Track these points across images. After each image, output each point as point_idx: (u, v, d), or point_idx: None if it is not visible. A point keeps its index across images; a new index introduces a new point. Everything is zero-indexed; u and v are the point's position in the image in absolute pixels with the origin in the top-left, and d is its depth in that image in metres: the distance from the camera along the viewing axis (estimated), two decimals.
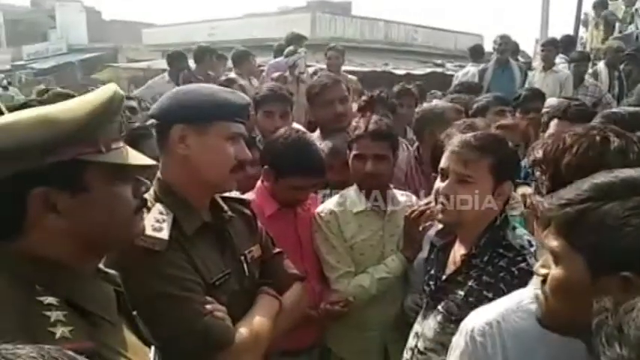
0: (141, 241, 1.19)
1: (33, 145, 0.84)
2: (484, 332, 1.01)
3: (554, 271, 0.84)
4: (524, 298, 1.00)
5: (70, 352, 0.59)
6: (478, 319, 1.05)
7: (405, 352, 1.65)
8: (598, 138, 0.98)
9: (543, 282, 0.86)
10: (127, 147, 0.97)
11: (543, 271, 0.87)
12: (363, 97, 2.98)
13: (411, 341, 1.62)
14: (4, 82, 13.82)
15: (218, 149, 1.34)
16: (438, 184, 1.54)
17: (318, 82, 2.68)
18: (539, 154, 1.04)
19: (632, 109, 2.13)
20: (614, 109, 2.23)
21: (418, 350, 1.57)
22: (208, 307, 1.29)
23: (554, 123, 2.26)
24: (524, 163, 2.06)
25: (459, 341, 1.08)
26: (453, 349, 1.12)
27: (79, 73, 17.32)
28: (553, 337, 0.89)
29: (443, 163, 1.53)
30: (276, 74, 4.88)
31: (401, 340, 1.93)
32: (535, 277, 0.93)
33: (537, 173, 1.03)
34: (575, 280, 0.80)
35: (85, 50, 18.62)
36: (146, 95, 5.39)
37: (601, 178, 0.81)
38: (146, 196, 1.04)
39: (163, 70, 6.72)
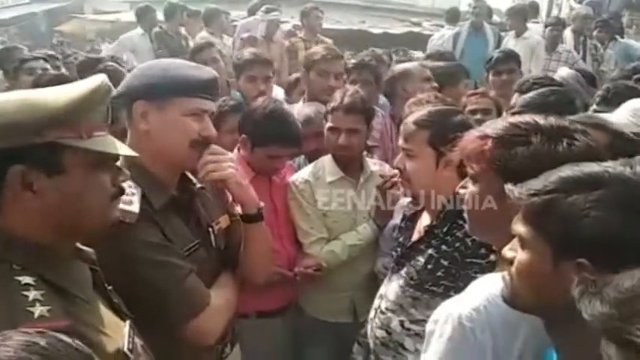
0: None
1: (19, 125, 0.87)
2: (472, 318, 1.03)
3: (520, 255, 0.90)
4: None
5: (60, 336, 0.63)
6: (463, 305, 1.06)
7: (370, 311, 1.77)
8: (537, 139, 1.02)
9: (510, 264, 0.93)
10: (110, 136, 0.99)
11: (510, 254, 0.93)
12: (352, 60, 2.98)
13: (376, 302, 1.74)
14: None
15: (177, 125, 1.33)
16: None
17: (319, 52, 2.70)
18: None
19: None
20: None
21: (380, 310, 1.68)
22: (186, 271, 1.34)
23: (515, 96, 2.39)
24: None
25: (444, 328, 1.07)
26: (435, 337, 1.10)
27: (42, 24, 16.45)
28: (532, 318, 0.96)
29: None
30: (245, 35, 4.80)
31: (369, 301, 2.05)
32: (502, 258, 0.99)
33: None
34: (539, 264, 0.87)
35: (47, 0, 17.64)
36: (119, 52, 5.23)
37: (567, 171, 0.88)
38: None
39: (132, 24, 6.47)
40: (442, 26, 6.91)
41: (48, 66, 3.23)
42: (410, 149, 1.57)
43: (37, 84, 2.56)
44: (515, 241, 0.93)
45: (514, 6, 5.77)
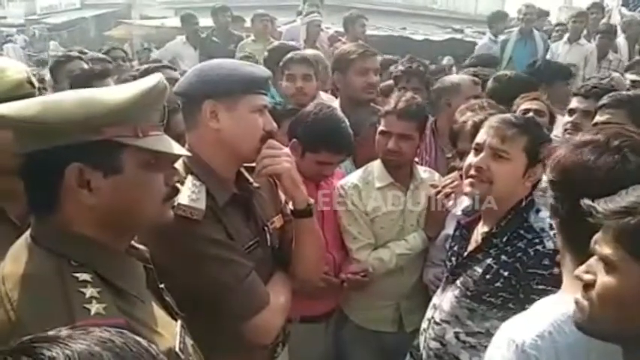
0: (180, 210, 1.24)
1: (76, 122, 0.88)
2: (536, 345, 0.98)
3: (607, 279, 0.83)
4: (570, 308, 0.94)
5: (136, 337, 0.62)
6: (527, 331, 1.00)
7: (423, 322, 1.73)
8: (617, 157, 0.99)
9: (586, 287, 0.87)
10: (166, 135, 0.99)
11: (588, 277, 0.86)
12: (400, 67, 2.92)
13: (429, 312, 1.70)
14: (16, 37, 13.67)
15: (248, 122, 1.38)
16: (471, 158, 1.57)
17: (355, 50, 2.65)
18: (558, 174, 1.04)
19: None
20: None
21: (434, 321, 1.64)
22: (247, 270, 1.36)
23: (574, 99, 2.39)
24: None
25: (506, 356, 1.01)
26: None
27: (92, 29, 17.14)
28: (602, 346, 0.90)
29: (479, 138, 1.57)
30: (290, 43, 4.82)
31: (416, 310, 2.02)
32: (569, 280, 0.93)
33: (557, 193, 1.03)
34: (631, 289, 0.81)
35: (98, 6, 18.36)
36: (164, 57, 5.40)
37: None
38: (176, 165, 1.06)
39: (176, 28, 6.67)
40: (484, 33, 6.76)
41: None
42: (505, 151, 1.50)
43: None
44: (592, 263, 0.86)
45: (581, 11, 5.61)
